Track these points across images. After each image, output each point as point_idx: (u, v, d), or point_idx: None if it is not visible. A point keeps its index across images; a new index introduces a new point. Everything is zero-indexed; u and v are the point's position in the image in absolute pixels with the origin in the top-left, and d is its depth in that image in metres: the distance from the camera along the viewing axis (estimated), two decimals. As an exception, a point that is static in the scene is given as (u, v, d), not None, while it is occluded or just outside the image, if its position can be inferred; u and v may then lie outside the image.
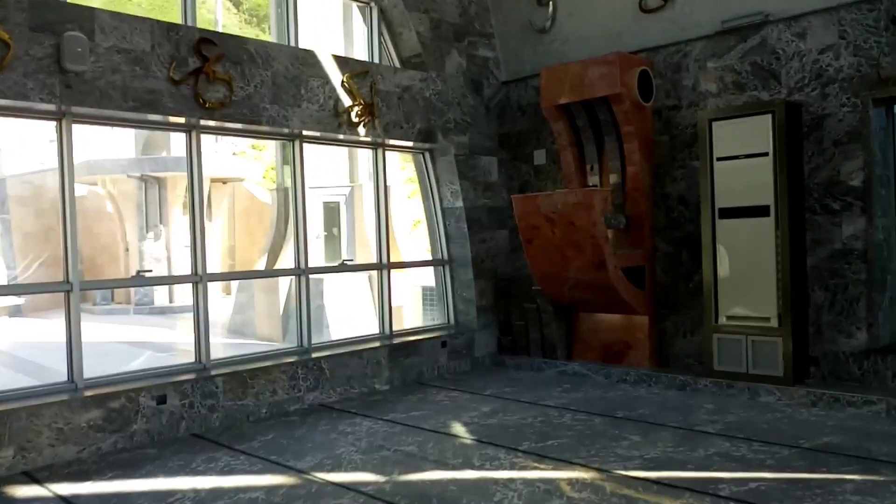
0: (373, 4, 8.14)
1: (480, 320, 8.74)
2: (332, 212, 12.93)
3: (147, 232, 18.06)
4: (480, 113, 8.85)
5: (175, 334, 14.50)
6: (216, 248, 19.45)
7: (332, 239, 13.12)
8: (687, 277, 7.56)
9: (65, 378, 5.87)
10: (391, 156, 14.24)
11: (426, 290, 12.03)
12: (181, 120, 6.32)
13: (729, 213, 6.79)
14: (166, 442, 5.85)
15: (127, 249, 18.20)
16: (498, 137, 9.07)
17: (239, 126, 6.71)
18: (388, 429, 6.06)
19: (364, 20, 8.36)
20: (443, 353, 8.30)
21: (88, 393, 5.67)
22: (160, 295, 18.01)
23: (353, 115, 7.39)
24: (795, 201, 6.55)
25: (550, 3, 8.42)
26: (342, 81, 7.33)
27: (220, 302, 19.13)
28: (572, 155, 8.00)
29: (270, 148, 25.28)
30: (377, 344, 7.84)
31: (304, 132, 7.21)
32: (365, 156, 13.16)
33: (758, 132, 6.55)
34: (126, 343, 12.84)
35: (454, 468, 4.98)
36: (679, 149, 7.57)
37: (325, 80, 7.21)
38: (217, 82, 6.34)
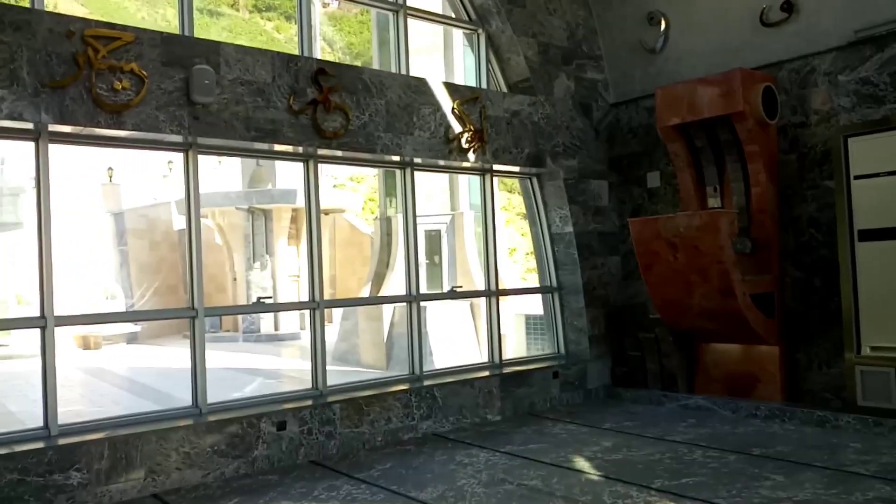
0: (480, 31, 8.12)
1: (593, 350, 8.43)
2: (433, 240, 12.96)
3: (254, 262, 18.68)
4: (590, 136, 8.64)
5: (282, 361, 14.83)
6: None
7: (433, 267, 13.12)
8: (821, 305, 7.03)
9: (189, 403, 5.99)
10: (476, 182, 14.28)
11: (530, 319, 11.81)
12: (299, 149, 6.43)
13: (871, 234, 6.27)
14: (286, 468, 5.85)
15: (235, 279, 18.86)
16: (608, 160, 8.82)
17: (354, 154, 6.77)
18: (507, 461, 5.85)
19: (471, 47, 8.35)
20: (555, 384, 8.03)
21: (212, 418, 5.76)
22: (266, 323, 18.53)
23: (463, 141, 7.34)
24: (948, 221, 5.99)
25: (662, 21, 8.15)
26: (452, 108, 7.30)
27: (326, 329, 19.52)
28: (691, 177, 7.65)
29: (369, 179, 25.82)
30: (487, 373, 7.68)
31: (416, 159, 7.21)
32: (465, 184, 13.15)
33: (902, 147, 6.05)
34: (236, 370, 13.19)
35: (584, 505, 4.72)
36: (808, 168, 7.11)
37: (437, 107, 7.20)
38: (334, 112, 6.43)
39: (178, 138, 5.76)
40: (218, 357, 15.43)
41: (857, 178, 6.33)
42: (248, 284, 18.59)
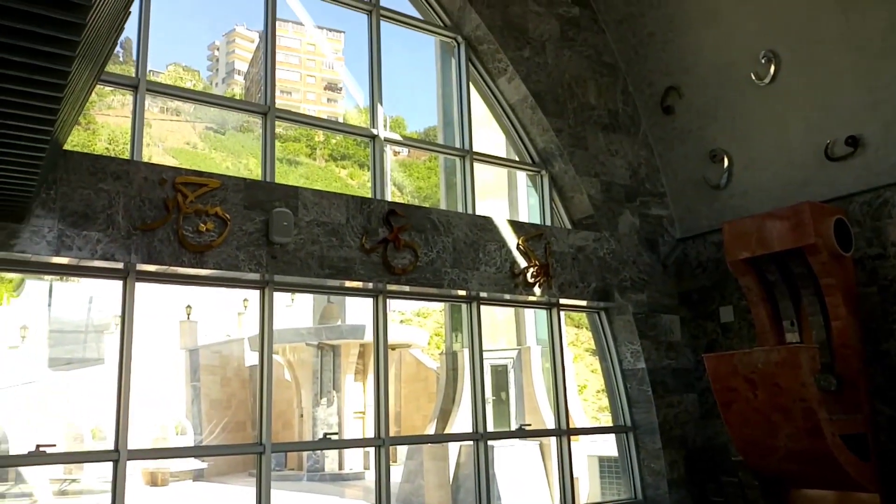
0: (543, 172, 8.39)
1: (673, 495, 7.92)
2: (500, 376, 12.76)
3: (321, 398, 18.72)
4: (657, 270, 8.59)
5: (346, 503, 14.44)
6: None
7: (500, 404, 12.83)
8: (922, 448, 6.50)
9: (253, 544, 5.85)
10: (543, 317, 14.17)
11: (603, 461, 11.26)
12: (369, 285, 6.61)
13: (969, 371, 5.87)
14: None
15: (301, 416, 18.87)
16: (678, 295, 8.69)
17: (421, 290, 6.90)
18: None
19: (534, 187, 8.61)
20: (632, 532, 7.52)
21: (274, 561, 5.58)
22: (330, 462, 18.27)
23: (528, 275, 7.41)
24: None
25: (724, 158, 8.27)
26: (517, 244, 7.44)
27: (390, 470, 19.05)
28: (765, 311, 7.43)
29: (435, 314, 26.04)
30: (559, 519, 7.27)
31: (482, 294, 7.29)
32: (531, 318, 13.09)
33: None
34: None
35: None
36: (891, 301, 6.82)
37: (502, 243, 7.35)
38: (404, 249, 6.64)
39: (255, 276, 6.02)
40: (282, 496, 15.19)
41: (946, 310, 6.01)
42: (315, 421, 18.54)
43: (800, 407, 6.31)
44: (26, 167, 3.95)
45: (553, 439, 11.81)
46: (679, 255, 8.82)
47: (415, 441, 11.49)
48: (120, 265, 5.46)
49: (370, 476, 18.24)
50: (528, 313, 13.03)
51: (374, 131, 7.20)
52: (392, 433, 19.73)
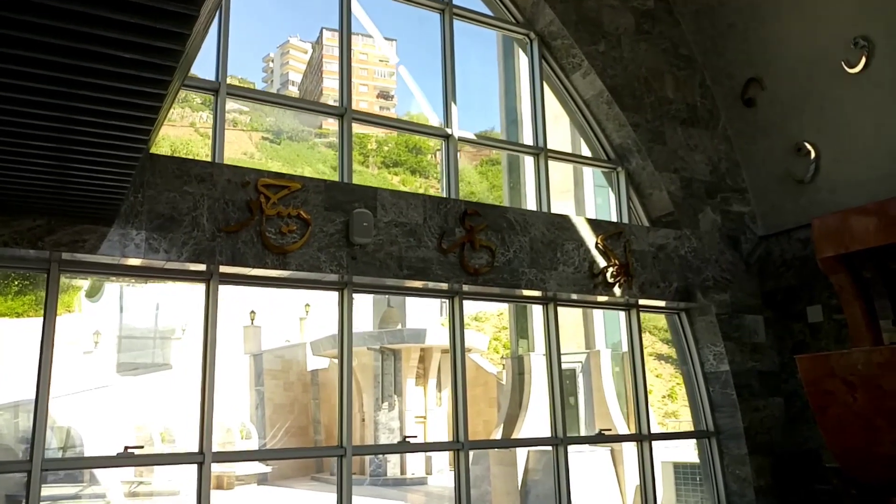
0: (619, 169, 8.16)
1: (760, 503, 7.57)
2: (568, 380, 12.52)
3: (382, 402, 18.73)
4: (740, 269, 8.26)
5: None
6: (442, 419, 19.63)
7: (569, 408, 12.58)
8: None
9: (335, 548, 5.79)
10: (612, 319, 13.83)
11: (678, 467, 10.92)
12: (444, 286, 6.50)
13: None
14: None
15: (363, 420, 18.91)
16: (762, 295, 8.34)
17: (497, 290, 6.76)
18: None
19: (610, 184, 8.38)
20: (719, 542, 7.22)
21: (359, 566, 5.50)
22: (392, 466, 18.26)
23: (608, 275, 7.19)
24: None
25: (811, 151, 7.90)
26: (596, 243, 7.24)
27: (448, 475, 18.97)
28: (860, 310, 7.03)
29: (493, 319, 25.85)
30: (642, 527, 7.02)
31: (559, 294, 7.11)
32: (600, 321, 12.82)
33: None
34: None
35: None
36: None
37: (580, 242, 7.16)
38: (481, 250, 6.51)
39: (334, 277, 5.98)
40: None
41: None
42: (376, 425, 18.57)
43: (906, 411, 5.95)
44: (121, 169, 3.96)
45: (626, 445, 11.56)
46: (762, 252, 8.46)
47: (494, 445, 11.33)
48: (203, 267, 5.48)
49: (432, 481, 18.17)
50: (597, 316, 12.77)
51: (448, 130, 7.10)
52: (451, 438, 19.66)
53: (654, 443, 9.73)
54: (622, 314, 12.42)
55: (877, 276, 6.94)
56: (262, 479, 18.92)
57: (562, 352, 12.74)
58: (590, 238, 7.22)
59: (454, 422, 6.59)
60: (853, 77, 7.31)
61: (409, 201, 6.28)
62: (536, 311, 12.70)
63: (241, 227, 5.48)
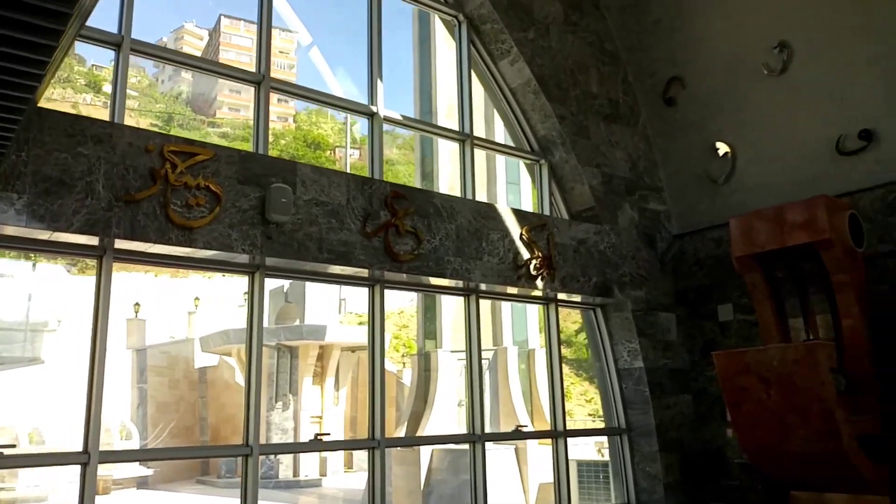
0: (543, 161, 8.02)
1: (669, 500, 7.61)
2: (474, 378, 12.32)
3: (276, 402, 17.92)
4: (655, 267, 8.31)
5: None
6: (339, 418, 19.06)
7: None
8: (935, 450, 6.34)
9: (237, 556, 5.27)
10: (519, 317, 13.80)
11: (582, 465, 10.95)
12: (365, 273, 6.10)
13: None
14: None
15: (255, 420, 18.01)
16: (674, 293, 8.43)
17: (421, 279, 6.42)
18: None
19: (533, 178, 8.23)
20: (631, 539, 7.18)
21: (265, 575, 5.01)
22: (284, 468, 17.49)
23: (531, 267, 7.01)
24: None
25: (728, 153, 8.05)
26: (521, 234, 7.04)
27: (343, 477, 18.40)
28: (771, 309, 7.18)
29: (393, 317, 25.45)
30: (556, 526, 6.87)
31: (481, 286, 6.86)
32: (508, 318, 12.72)
33: None
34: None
35: None
36: (904, 299, 6.67)
37: (505, 233, 6.94)
38: (406, 235, 6.15)
39: (244, 258, 5.46)
40: (235, 504, 14.40)
41: (967, 308, 5.86)
42: (269, 426, 17.74)
43: (817, 407, 6.07)
44: (3, 123, 3.37)
45: (531, 442, 11.49)
46: (676, 251, 8.56)
47: (411, 443, 10.93)
48: (95, 241, 4.83)
49: (327, 483, 17.55)
50: (505, 313, 12.67)
51: (374, 108, 6.70)
52: (347, 437, 19.04)
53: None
54: (532, 310, 12.33)
55: (788, 275, 7.10)
56: (143, 483, 17.65)
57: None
58: (515, 229, 7.01)
59: (370, 419, 6.19)
60: (772, 80, 7.50)
61: (331, 179, 5.84)
62: (446, 307, 12.46)
63: (143, 196, 4.87)
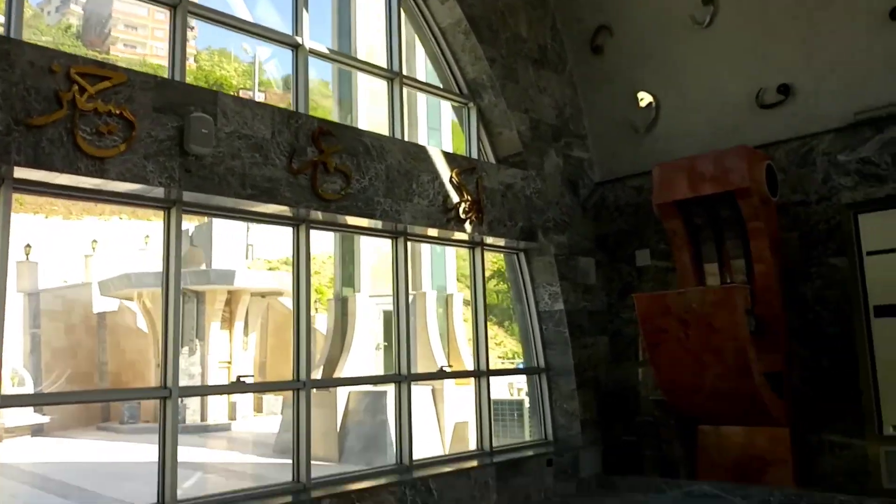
0: (471, 105, 7.87)
1: (585, 436, 7.89)
2: (391, 322, 12.28)
3: (182, 347, 17.33)
4: (577, 213, 8.41)
5: (215, 454, 13.47)
6: (249, 364, 18.70)
7: (391, 350, 12.40)
8: (830, 385, 6.81)
9: (153, 501, 5.06)
10: (438, 262, 13.82)
11: (496, 404, 11.21)
12: (287, 212, 5.84)
13: (887, 310, 6.15)
14: (275, 582, 4.94)
15: (158, 365, 17.40)
16: (595, 238, 8.59)
17: (347, 221, 6.22)
18: (532, 565, 5.14)
19: (461, 121, 8.08)
20: (549, 473, 7.41)
21: (189, 522, 4.83)
22: (191, 413, 17.06)
23: (461, 211, 6.93)
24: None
25: (652, 101, 8.15)
26: (450, 177, 6.92)
27: (253, 421, 18.16)
28: (688, 254, 7.43)
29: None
30: (477, 462, 6.97)
31: (410, 229, 6.73)
32: (427, 263, 12.68)
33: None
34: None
35: None
36: (812, 246, 7.03)
37: (435, 175, 6.80)
38: (335, 174, 5.91)
39: (160, 193, 5.10)
40: (139, 450, 13.94)
41: (869, 253, 6.24)
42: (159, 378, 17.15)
43: (732, 347, 6.38)
44: None
45: (448, 384, 11.64)
46: (598, 199, 8.69)
47: (336, 383, 10.76)
48: (-8, 170, 4.36)
49: (237, 427, 17.26)
50: (425, 258, 12.62)
51: (299, 39, 6.32)
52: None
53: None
54: (450, 256, 12.31)
55: (705, 222, 7.33)
56: (38, 431, 16.79)
57: (387, 293, 12.47)
58: (444, 171, 6.88)
59: (295, 360, 6.02)
60: (698, 32, 7.59)
61: (254, 111, 5.49)
62: (364, 250, 12.28)
63: (48, 121, 4.41)
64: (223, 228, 18.14)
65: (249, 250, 23.22)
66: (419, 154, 6.69)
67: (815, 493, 6.43)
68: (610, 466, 7.99)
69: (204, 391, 10.81)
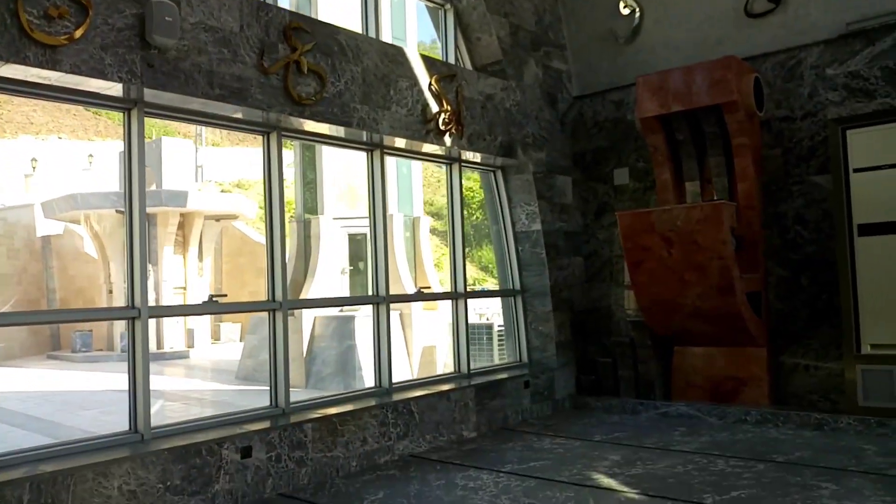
0: (448, 7, 7.38)
1: (560, 358, 7.82)
2: (358, 244, 11.95)
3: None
4: (556, 128, 8.11)
5: (174, 382, 13.14)
6: (204, 290, 18.22)
7: (357, 274, 12.10)
8: (808, 304, 6.82)
9: (126, 428, 4.75)
10: (405, 185, 13.42)
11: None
12: (260, 118, 5.38)
13: (871, 229, 6.10)
14: (257, 505, 4.74)
15: (111, 292, 16.80)
16: (572, 156, 8.32)
17: (323, 129, 5.80)
18: (520, 483, 5.05)
19: (437, 25, 7.59)
20: (526, 395, 7.34)
21: (163, 445, 4.55)
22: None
23: (440, 122, 6.54)
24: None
25: (635, 10, 7.79)
26: (429, 84, 6.50)
27: (212, 349, 17.81)
28: (670, 171, 7.26)
29: (258, 186, 24.21)
30: (454, 385, 6.83)
31: (386, 141, 6.34)
32: (393, 185, 12.27)
33: (906, 139, 5.92)
34: (121, 391, 11.49)
35: (651, 530, 4.02)
36: (794, 163, 6.91)
37: (414, 81, 6.37)
38: (309, 75, 5.44)
39: (118, 91, 4.58)
40: (94, 378, 13.53)
41: (856, 171, 6.14)
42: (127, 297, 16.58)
43: (716, 265, 6.27)
44: None
45: (415, 307, 11.45)
46: (576, 114, 8.38)
47: (314, 304, 10.37)
48: (-80, 58, 3.81)
49: (195, 354, 16.91)
50: (391, 182, 12.19)
51: (265, -76, 5.70)
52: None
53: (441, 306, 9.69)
54: (416, 179, 11.90)
55: (689, 138, 7.12)
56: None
57: (353, 216, 12.08)
58: (424, 78, 6.45)
59: (269, 280, 5.67)
60: (688, -66, 7.19)
61: (221, 0, 4.95)
62: (328, 168, 11.80)
63: (-15, 1, 3.84)
64: (173, 147, 17.30)
65: (199, 172, 22.35)
66: (397, 56, 6.23)
67: (791, 412, 6.49)
68: (585, 388, 7.97)
69: (175, 311, 10.35)
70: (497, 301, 10.07)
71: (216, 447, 4.68)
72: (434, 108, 6.51)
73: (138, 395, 4.79)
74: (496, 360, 9.85)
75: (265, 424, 5.16)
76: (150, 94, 4.68)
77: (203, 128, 24.29)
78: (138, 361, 4.81)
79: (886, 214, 6.01)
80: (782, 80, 6.96)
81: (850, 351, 6.17)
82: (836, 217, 6.27)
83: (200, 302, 6.66)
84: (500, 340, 10.06)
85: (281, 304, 5.60)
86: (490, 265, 19.87)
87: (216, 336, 19.05)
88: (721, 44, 7.19)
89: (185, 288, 17.30)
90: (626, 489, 4.80)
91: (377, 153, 6.44)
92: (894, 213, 5.97)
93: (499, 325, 9.86)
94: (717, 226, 6.15)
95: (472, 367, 7.28)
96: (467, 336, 7.31)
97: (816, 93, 6.76)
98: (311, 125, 5.65)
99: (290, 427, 5.15)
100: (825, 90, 6.71)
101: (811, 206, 6.79)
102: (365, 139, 6.24)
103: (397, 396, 6.20)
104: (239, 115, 5.30)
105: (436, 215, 21.69)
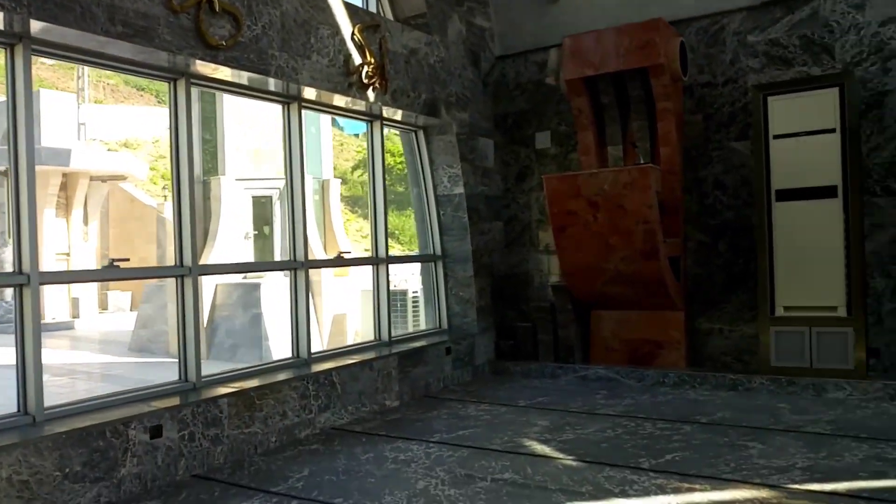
0: (367, -47, 6.93)
1: (480, 323, 7.69)
2: (263, 208, 11.34)
3: (8, 238, 15.27)
4: (478, 89, 7.87)
5: (60, 354, 12.14)
6: (91, 256, 16.96)
7: (262, 238, 11.50)
8: (724, 269, 6.96)
9: (14, 409, 4.19)
10: (313, 145, 12.86)
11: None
12: (166, 63, 4.83)
13: (789, 194, 6.25)
14: (165, 489, 4.32)
15: (-7, 252, 15.30)
16: (493, 118, 8.12)
17: (236, 78, 5.29)
18: (452, 453, 4.87)
19: (355, -28, 7.11)
20: (447, 362, 7.17)
21: (58, 428, 4.04)
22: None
23: (363, 75, 6.14)
24: (856, 182, 6.11)
25: (559, -32, 7.60)
26: (352, 34, 6.08)
27: (99, 318, 16.65)
28: (593, 136, 7.17)
29: (147, 146, 22.74)
30: (375, 354, 6.55)
31: (305, 93, 5.89)
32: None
33: (823, 107, 6.06)
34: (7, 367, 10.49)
35: (595, 497, 3.93)
36: (714, 129, 6.99)
37: (336, 29, 5.93)
38: (223, 15, 4.91)
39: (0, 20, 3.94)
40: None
41: (776, 137, 6.25)
42: (1, 264, 15.20)
43: (642, 230, 6.26)
44: None
45: (325, 273, 11.03)
46: (498, 74, 8.15)
47: (225, 270, 9.62)
48: None
49: (81, 325, 15.75)
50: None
51: None
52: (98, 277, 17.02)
53: (352, 272, 9.36)
54: (326, 140, 11.40)
55: (613, 101, 7.05)
56: None
57: (257, 177, 11.45)
58: (346, 27, 6.02)
59: (177, 242, 5.16)
60: None
61: (121, -75, 4.34)
62: (229, 126, 11.07)
63: None
64: (52, 101, 15.83)
65: (82, 129, 20.65)
66: (318, 2, 5.76)
67: (707, 373, 6.64)
68: (504, 353, 7.89)
69: (70, 277, 9.41)
70: (408, 267, 9.84)
71: (122, 427, 4.21)
72: (357, 59, 6.10)
73: (28, 371, 4.23)
74: (410, 328, 9.64)
75: (175, 401, 4.71)
76: (38, 28, 4.06)
77: (86, 83, 22.47)
78: (27, 334, 4.25)
79: (803, 180, 6.15)
80: (705, 45, 6.99)
81: (766, 314, 6.34)
82: (755, 183, 6.38)
83: (99, 267, 6.02)
84: (414, 307, 9.84)
85: (190, 269, 5.11)
86: (396, 231, 19.62)
87: (104, 305, 17.83)
88: (645, 6, 7.11)
89: (68, 254, 16.00)
90: (561, 455, 4.71)
91: (294, 106, 5.97)
92: (811, 179, 6.12)
93: (413, 292, 9.63)
94: (643, 190, 6.12)
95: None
96: (388, 303, 7.02)
97: (738, 59, 6.83)
98: (223, 72, 5.13)
99: (204, 403, 4.73)
100: (746, 57, 6.78)
101: (730, 172, 6.90)
102: (282, 90, 5.76)
103: (318, 367, 5.86)
104: (143, 59, 4.72)
105: (340, 179, 21.10)
